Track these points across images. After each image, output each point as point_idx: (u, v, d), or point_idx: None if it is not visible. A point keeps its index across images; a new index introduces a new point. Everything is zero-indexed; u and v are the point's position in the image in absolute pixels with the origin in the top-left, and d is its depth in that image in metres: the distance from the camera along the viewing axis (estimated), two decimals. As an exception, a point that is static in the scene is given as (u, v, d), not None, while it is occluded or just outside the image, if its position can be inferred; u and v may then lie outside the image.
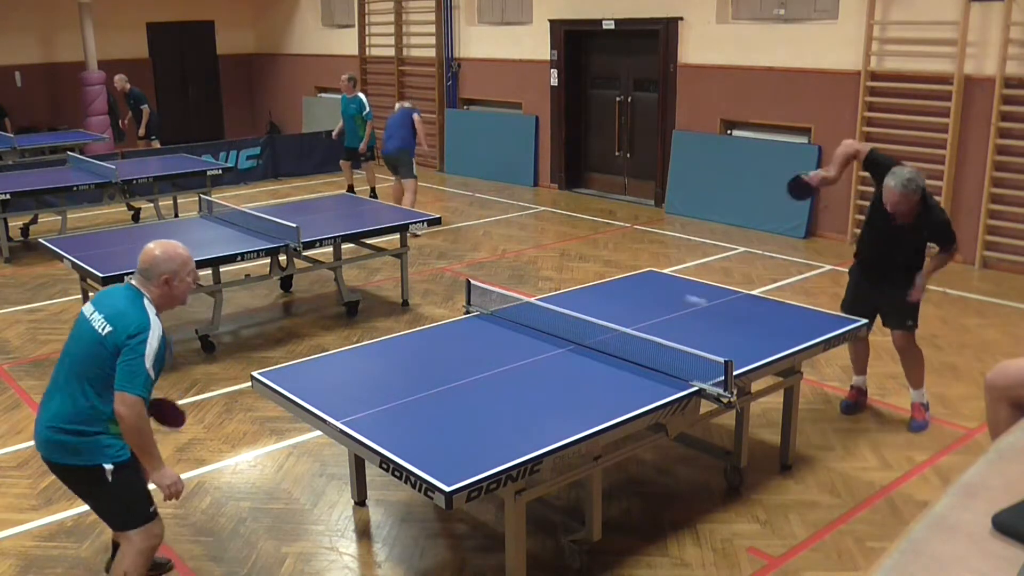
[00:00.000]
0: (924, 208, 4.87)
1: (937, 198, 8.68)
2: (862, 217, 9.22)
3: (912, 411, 5.26)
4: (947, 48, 8.50)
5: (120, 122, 14.34)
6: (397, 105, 10.74)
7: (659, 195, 11.33)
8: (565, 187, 12.50)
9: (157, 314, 3.34)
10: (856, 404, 5.47)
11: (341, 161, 12.11)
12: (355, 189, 11.80)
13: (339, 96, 12.11)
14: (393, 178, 10.49)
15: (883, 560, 1.58)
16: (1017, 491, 1.78)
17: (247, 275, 7.43)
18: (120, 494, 3.35)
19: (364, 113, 11.44)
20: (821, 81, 9.53)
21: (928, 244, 5.12)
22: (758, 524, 4.24)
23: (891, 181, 4.75)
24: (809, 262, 8.75)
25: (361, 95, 11.61)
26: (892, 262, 5.10)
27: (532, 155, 12.76)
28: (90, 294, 6.85)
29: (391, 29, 14.72)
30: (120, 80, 13.29)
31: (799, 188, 5.38)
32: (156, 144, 13.36)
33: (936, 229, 5.01)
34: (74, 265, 6.26)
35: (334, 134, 12.12)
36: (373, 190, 11.80)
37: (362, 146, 11.57)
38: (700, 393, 3.80)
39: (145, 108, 13.26)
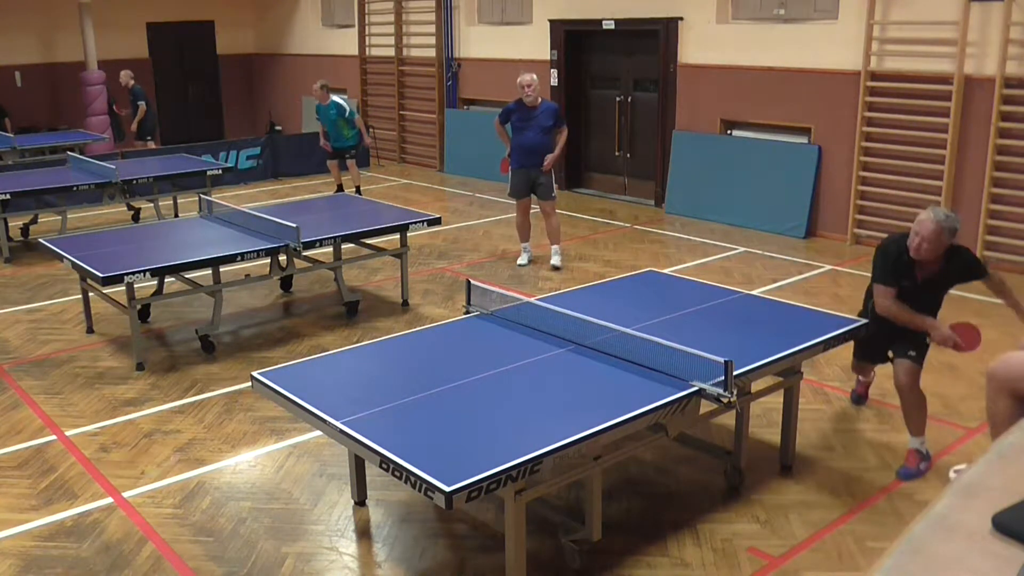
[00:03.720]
0: (952, 253, 4.53)
1: (937, 198, 8.71)
2: (862, 217, 9.38)
3: (906, 457, 4.73)
4: (947, 48, 8.50)
5: (115, 107, 14.36)
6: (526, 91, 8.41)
7: (659, 195, 11.33)
8: (565, 187, 12.47)
9: None
10: (865, 396, 5.46)
11: (328, 162, 12.06)
12: (344, 188, 11.80)
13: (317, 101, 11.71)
14: (516, 202, 8.74)
15: (883, 560, 1.58)
16: (1017, 491, 1.78)
17: (247, 275, 7.43)
18: None
19: (347, 115, 11.44)
20: (821, 81, 9.53)
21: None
22: (758, 524, 4.24)
23: (929, 212, 4.39)
24: (809, 262, 8.74)
25: (335, 98, 11.52)
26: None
27: (532, 155, 12.74)
28: (90, 294, 6.87)
29: (391, 29, 14.71)
30: (125, 76, 13.44)
31: None
32: (152, 145, 13.36)
33: (968, 266, 4.64)
34: (74, 265, 6.26)
35: (324, 143, 11.76)
36: (358, 188, 11.75)
37: (367, 139, 11.70)
38: (700, 393, 3.80)
39: (141, 105, 13.26)
